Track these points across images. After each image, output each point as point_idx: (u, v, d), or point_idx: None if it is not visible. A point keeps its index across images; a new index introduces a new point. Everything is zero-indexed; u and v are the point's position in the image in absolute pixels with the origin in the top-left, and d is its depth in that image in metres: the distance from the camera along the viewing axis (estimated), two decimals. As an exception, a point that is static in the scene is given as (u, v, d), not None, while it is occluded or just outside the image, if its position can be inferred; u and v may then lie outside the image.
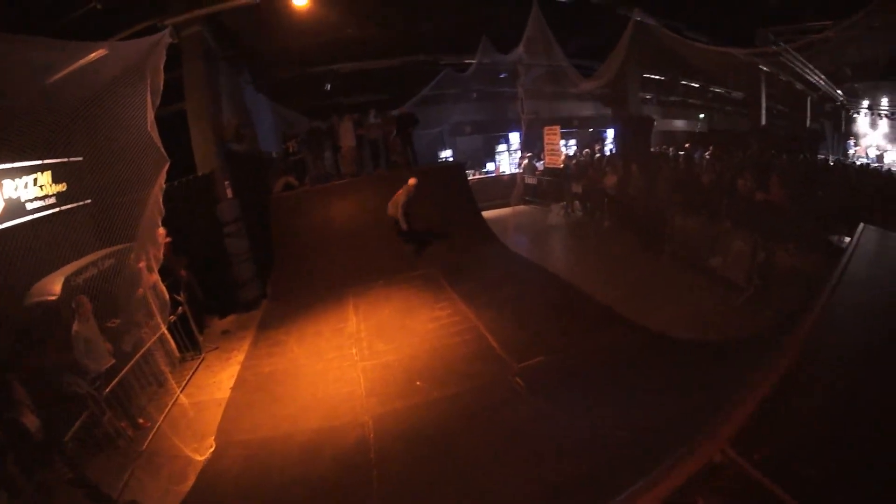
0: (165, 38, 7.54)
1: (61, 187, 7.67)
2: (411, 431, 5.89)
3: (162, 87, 7.16)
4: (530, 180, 17.76)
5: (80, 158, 7.71)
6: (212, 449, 6.05)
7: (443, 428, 5.88)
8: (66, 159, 7.65)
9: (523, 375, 6.65)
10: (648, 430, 4.91)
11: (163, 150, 7.25)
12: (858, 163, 15.33)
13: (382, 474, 5.17)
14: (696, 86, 18.89)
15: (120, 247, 7.36)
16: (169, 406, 7.06)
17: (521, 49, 14.99)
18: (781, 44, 12.21)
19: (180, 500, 5.23)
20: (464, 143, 20.42)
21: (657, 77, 17.81)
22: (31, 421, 4.85)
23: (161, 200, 7.48)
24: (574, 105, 18.88)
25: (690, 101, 20.17)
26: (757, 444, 2.10)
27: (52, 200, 7.54)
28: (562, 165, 15.82)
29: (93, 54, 6.61)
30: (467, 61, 17.19)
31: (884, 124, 16.80)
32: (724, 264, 9.15)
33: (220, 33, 11.28)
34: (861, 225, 5.83)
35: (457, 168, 14.95)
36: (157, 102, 7.12)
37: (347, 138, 13.29)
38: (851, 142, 17.61)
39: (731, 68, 13.63)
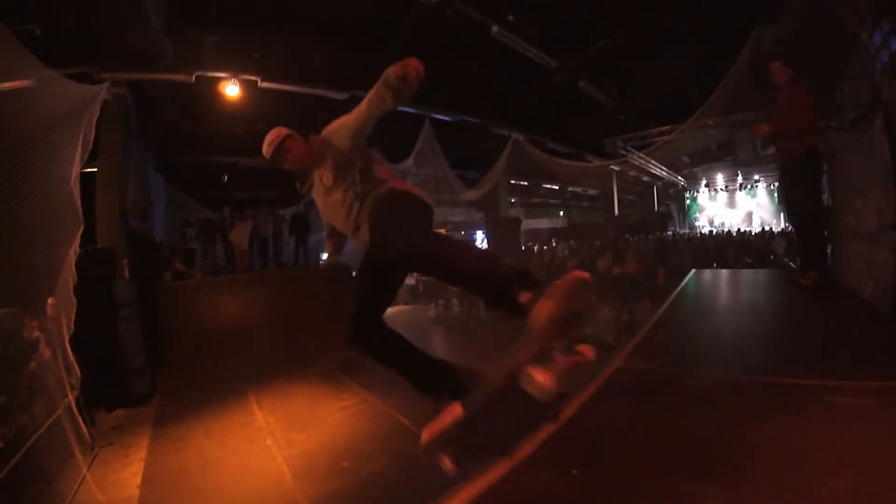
0: (103, 91, 7.44)
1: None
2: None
3: (91, 145, 6.97)
4: (410, 281, 18.76)
5: None
6: None
7: (380, 501, 6.07)
8: None
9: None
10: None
11: (80, 211, 6.94)
12: (705, 230, 18.70)
13: None
14: (556, 188, 21.93)
15: (6, 311, 6.37)
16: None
17: (410, 160, 16.72)
18: (630, 149, 15.00)
19: None
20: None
21: (522, 182, 20.37)
22: None
23: (74, 266, 7.00)
24: (448, 210, 20.46)
25: (551, 201, 22.81)
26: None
27: None
28: None
29: (16, 82, 6.13)
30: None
31: (722, 196, 20.60)
32: (595, 330, 10.71)
33: (141, 102, 11.13)
34: (692, 270, 7.76)
35: (342, 269, 15.50)
36: (85, 158, 6.88)
37: (241, 238, 13.51)
38: (697, 215, 20.97)
39: (587, 171, 16.01)
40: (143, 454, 7.76)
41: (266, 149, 3.41)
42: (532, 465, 2.49)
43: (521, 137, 15.25)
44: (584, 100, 16.70)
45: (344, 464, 6.91)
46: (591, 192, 21.40)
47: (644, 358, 3.70)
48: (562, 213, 23.83)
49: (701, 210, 22.43)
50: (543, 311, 2.38)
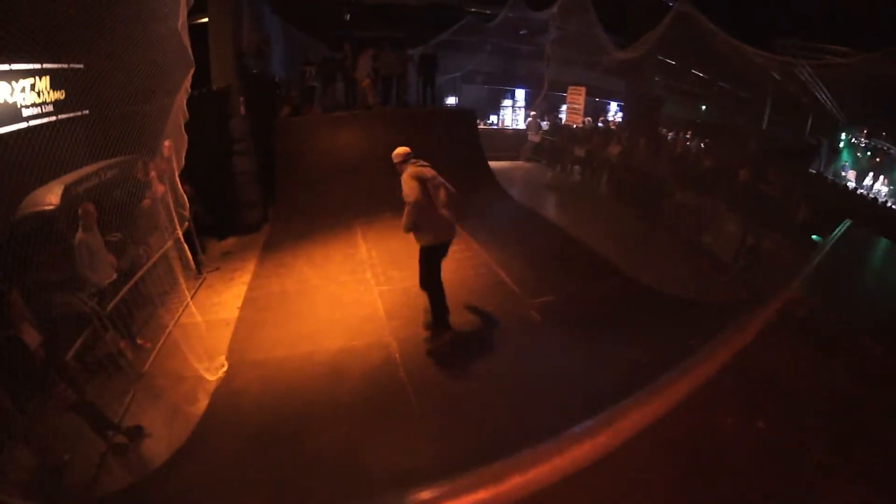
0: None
1: (59, 94, 6.90)
2: (438, 354, 5.96)
3: None
4: (534, 138, 17.90)
5: (81, 66, 6.83)
6: (224, 368, 5.84)
7: (469, 353, 6.04)
8: (66, 65, 6.84)
9: (537, 310, 6.97)
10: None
11: (191, 52, 6.88)
12: (849, 184, 16.03)
13: (417, 390, 5.21)
14: (705, 77, 18.95)
15: (123, 158, 6.80)
16: (173, 323, 6.76)
17: (554, 9, 14.84)
18: (803, 63, 12.27)
19: (196, 422, 5.02)
20: (470, 91, 20.18)
21: (670, 61, 17.71)
22: (32, 337, 4.33)
23: (185, 105, 7.15)
24: (582, 73, 18.53)
25: (697, 91, 20.29)
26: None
27: (50, 108, 6.79)
28: (582, 124, 16.03)
29: None
30: (491, 13, 16.94)
31: (880, 154, 17.23)
32: (714, 242, 9.76)
33: None
34: (847, 220, 6.50)
35: (468, 114, 14.75)
36: (192, 2, 6.68)
37: (364, 71, 12.85)
38: (846, 164, 17.95)
39: (747, 67, 13.63)
40: (247, 278, 8.49)
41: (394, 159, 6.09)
42: (710, 403, 2.11)
43: (687, 4, 12.64)
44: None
45: (438, 308, 6.82)
46: (741, 93, 18.40)
47: (816, 295, 3.22)
48: (704, 107, 20.99)
49: (853, 161, 18.49)
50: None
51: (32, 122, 6.45)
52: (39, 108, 6.66)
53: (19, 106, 6.39)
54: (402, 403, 5.04)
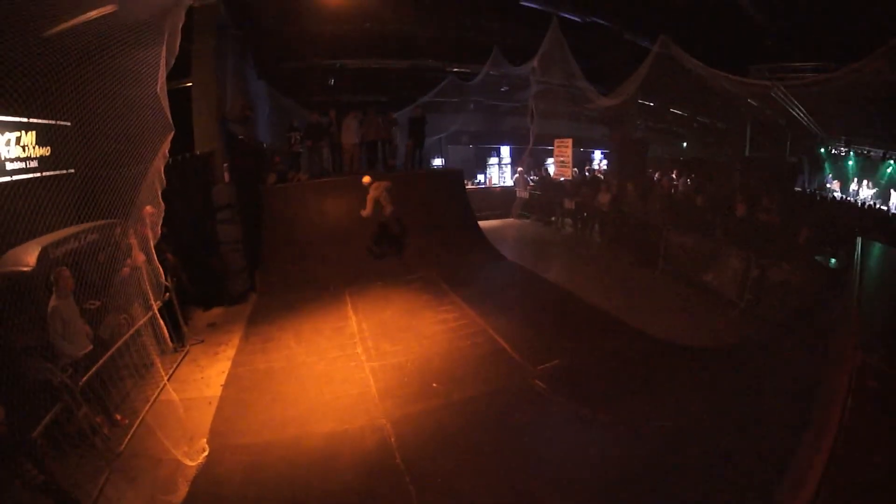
0: (186, -1, 6.87)
1: (45, 151, 6.78)
2: (436, 435, 5.47)
3: (177, 51, 6.60)
4: (522, 194, 17.89)
5: (68, 123, 6.64)
6: (205, 453, 5.27)
7: (471, 431, 5.54)
8: (53, 121, 6.66)
9: (542, 378, 6.52)
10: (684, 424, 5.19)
11: (169, 116, 6.65)
12: (836, 196, 16.19)
13: (417, 481, 4.67)
14: (684, 115, 19.45)
15: (105, 221, 6.38)
16: (150, 402, 6.19)
17: (535, 62, 15.06)
18: (779, 86, 12.37)
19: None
20: (456, 152, 20.38)
21: (649, 103, 18.03)
22: (-6, 410, 3.88)
23: (163, 170, 6.86)
24: (564, 125, 18.80)
25: (676, 129, 20.70)
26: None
27: (34, 164, 6.67)
28: (571, 177, 16.19)
29: (99, 10, 5.79)
30: (471, 71, 17.36)
31: (861, 162, 17.48)
32: (717, 279, 9.45)
33: (234, 8, 10.81)
34: (858, 239, 6.40)
35: (455, 174, 14.69)
36: (171, 64, 6.55)
37: (350, 136, 12.83)
38: (830, 176, 18.13)
39: (725, 96, 13.82)
40: (232, 353, 7.99)
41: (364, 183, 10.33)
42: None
43: (667, 43, 12.77)
44: (731, 14, 14.25)
45: (434, 384, 6.61)
46: (719, 125, 18.87)
47: (875, 347, 2.92)
48: (685, 144, 21.42)
49: (836, 171, 18.86)
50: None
51: (16, 177, 6.28)
52: (24, 162, 6.49)
53: (3, 159, 6.22)
54: (400, 496, 4.49)
